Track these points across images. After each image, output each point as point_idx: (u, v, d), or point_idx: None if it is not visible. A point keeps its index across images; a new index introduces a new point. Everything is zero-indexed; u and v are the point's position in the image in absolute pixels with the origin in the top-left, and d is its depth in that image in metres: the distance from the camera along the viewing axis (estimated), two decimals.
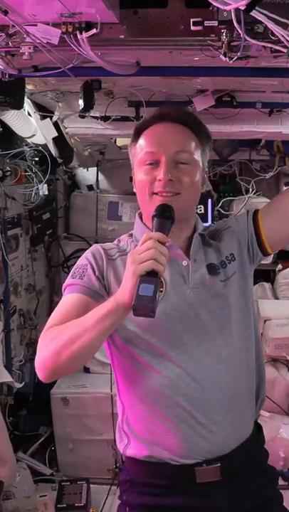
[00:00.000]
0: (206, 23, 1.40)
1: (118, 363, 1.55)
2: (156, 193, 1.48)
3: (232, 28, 1.36)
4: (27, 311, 3.60)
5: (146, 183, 1.49)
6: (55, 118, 2.85)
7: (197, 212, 1.69)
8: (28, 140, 3.11)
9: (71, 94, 2.55)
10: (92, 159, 3.98)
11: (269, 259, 3.74)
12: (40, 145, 3.18)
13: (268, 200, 3.71)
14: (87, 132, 3.07)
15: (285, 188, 4.02)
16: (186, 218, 1.55)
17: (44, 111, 2.86)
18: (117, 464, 3.31)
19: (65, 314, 1.45)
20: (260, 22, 1.28)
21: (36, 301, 3.74)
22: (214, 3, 1.24)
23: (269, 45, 1.40)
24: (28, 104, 2.77)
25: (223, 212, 3.96)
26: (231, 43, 1.44)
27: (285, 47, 1.39)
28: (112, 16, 1.45)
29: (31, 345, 3.58)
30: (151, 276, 1.25)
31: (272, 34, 1.33)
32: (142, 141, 1.55)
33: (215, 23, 1.39)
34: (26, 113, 2.84)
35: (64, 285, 1.53)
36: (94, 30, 1.46)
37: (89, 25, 1.46)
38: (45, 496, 2.97)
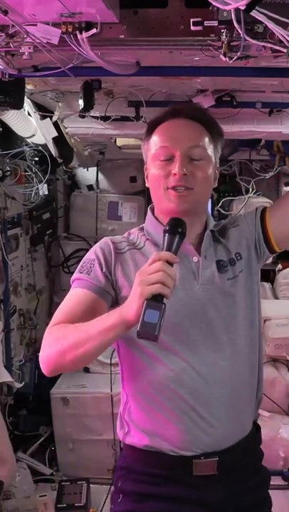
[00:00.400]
0: (206, 23, 1.39)
1: (124, 352, 1.56)
2: (170, 188, 1.49)
3: (232, 28, 1.35)
4: (27, 310, 3.60)
5: (161, 177, 1.51)
6: (55, 118, 2.85)
7: None
8: (28, 140, 3.11)
9: (71, 94, 2.55)
10: (92, 159, 3.98)
11: (269, 259, 3.74)
12: (40, 145, 3.18)
13: (268, 200, 3.75)
14: (87, 132, 3.07)
15: (285, 188, 4.02)
16: (198, 213, 1.56)
17: (44, 111, 2.85)
18: None
19: (70, 310, 1.48)
20: (260, 22, 1.27)
21: (36, 301, 3.74)
22: (214, 3, 1.24)
23: (269, 45, 1.39)
24: (28, 104, 2.77)
25: (223, 212, 3.96)
26: (231, 43, 1.43)
27: (285, 47, 1.39)
28: (112, 16, 1.44)
29: (31, 345, 3.59)
30: (157, 300, 1.26)
31: (273, 34, 1.33)
32: (155, 137, 1.56)
33: (215, 23, 1.38)
34: (26, 113, 2.84)
35: (72, 278, 1.55)
36: (94, 30, 1.45)
37: (89, 25, 1.45)
38: (45, 495, 2.96)
